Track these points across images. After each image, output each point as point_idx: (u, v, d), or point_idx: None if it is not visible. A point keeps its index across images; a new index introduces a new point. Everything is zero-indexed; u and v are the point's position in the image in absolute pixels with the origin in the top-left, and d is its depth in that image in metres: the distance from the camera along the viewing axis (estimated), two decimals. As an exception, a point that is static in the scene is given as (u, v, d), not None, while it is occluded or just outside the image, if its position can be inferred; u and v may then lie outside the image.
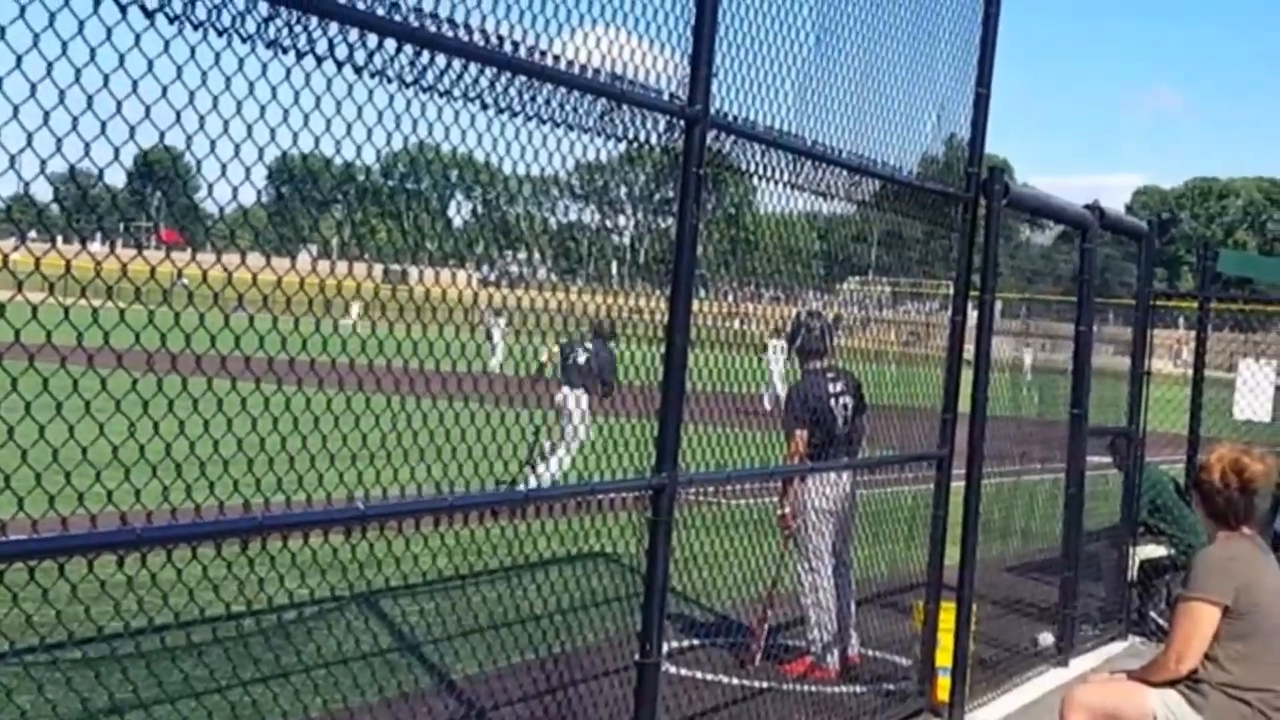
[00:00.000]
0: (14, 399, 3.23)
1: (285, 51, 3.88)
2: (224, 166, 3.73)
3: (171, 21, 3.56)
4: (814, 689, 8.05)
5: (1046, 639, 10.10)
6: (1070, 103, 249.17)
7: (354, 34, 4.08)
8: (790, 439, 8.27)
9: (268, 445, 4.08)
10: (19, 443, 3.29)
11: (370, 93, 4.19)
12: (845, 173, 7.04)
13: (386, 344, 4.65)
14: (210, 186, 3.82)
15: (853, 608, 8.55)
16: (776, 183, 6.43)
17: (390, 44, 4.22)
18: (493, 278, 5.99)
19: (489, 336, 5.42)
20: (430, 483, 4.96)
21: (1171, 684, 5.54)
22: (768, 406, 22.99)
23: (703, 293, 6.58)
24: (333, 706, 5.90)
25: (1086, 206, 10.12)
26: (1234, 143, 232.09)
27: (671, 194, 5.61)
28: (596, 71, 5.05)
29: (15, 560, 3.30)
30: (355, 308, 4.70)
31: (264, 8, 3.78)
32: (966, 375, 8.31)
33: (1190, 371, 12.48)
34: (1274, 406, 12.81)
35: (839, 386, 8.63)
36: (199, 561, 3.93)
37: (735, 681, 7.69)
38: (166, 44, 3.54)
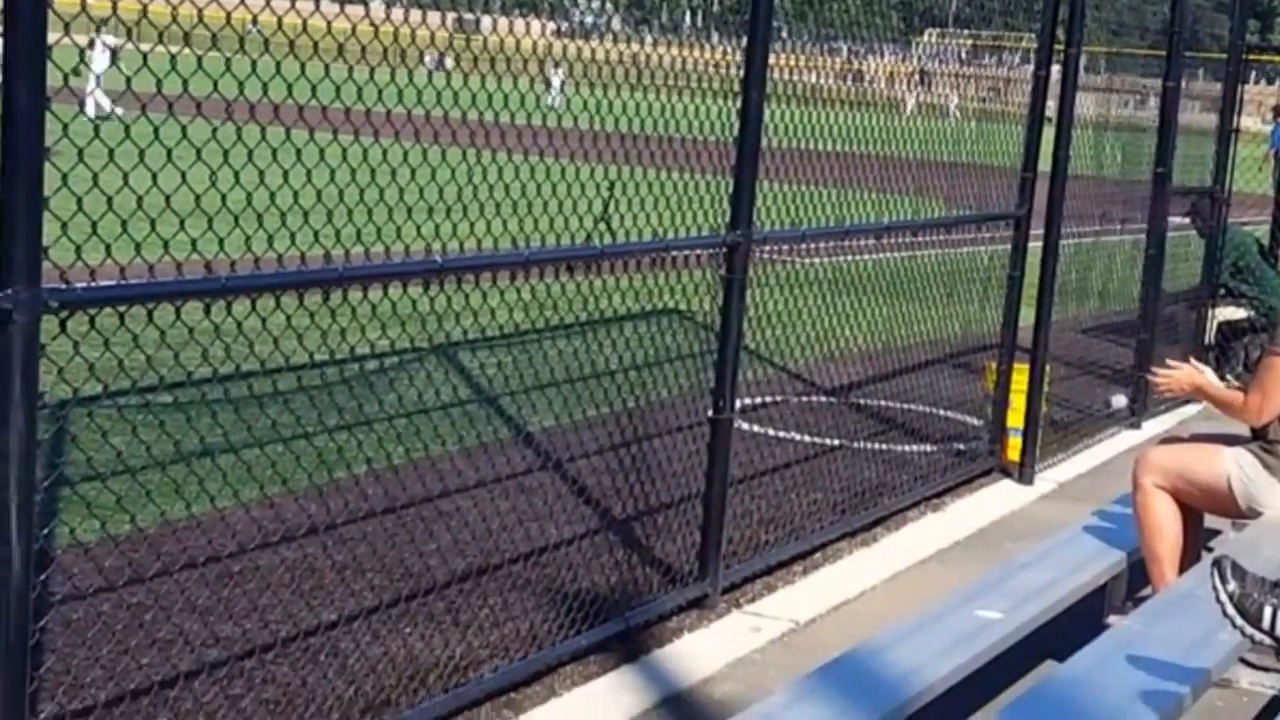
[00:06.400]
0: (97, 146, 3.26)
1: None
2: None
3: None
4: (885, 447, 8.15)
5: (1120, 401, 10.11)
6: None
7: None
8: None
9: (346, 197, 4.10)
10: (103, 189, 3.33)
11: None
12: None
13: (461, 95, 4.62)
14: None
15: None
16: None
17: None
18: (565, 29, 5.89)
19: (548, 86, 5.35)
20: (506, 237, 4.99)
21: (1247, 445, 5.55)
22: (91, 112, 22.06)
23: (779, 46, 6.44)
24: (414, 455, 6.06)
25: (1178, -46, 9.75)
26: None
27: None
28: None
29: (105, 305, 3.37)
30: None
31: None
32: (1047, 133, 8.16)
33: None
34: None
35: None
36: (282, 311, 4.00)
37: (806, 438, 7.80)
38: None
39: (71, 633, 4.60)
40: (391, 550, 5.56)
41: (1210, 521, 5.93)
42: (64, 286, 3.18)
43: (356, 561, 5.48)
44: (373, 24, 4.15)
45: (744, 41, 5.59)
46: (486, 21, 5.31)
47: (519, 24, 4.85)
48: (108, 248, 3.37)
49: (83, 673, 4.29)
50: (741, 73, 5.60)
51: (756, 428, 7.71)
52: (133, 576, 4.59)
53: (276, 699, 4.40)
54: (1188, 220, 11.32)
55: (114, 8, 3.32)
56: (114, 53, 21.37)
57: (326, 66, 3.95)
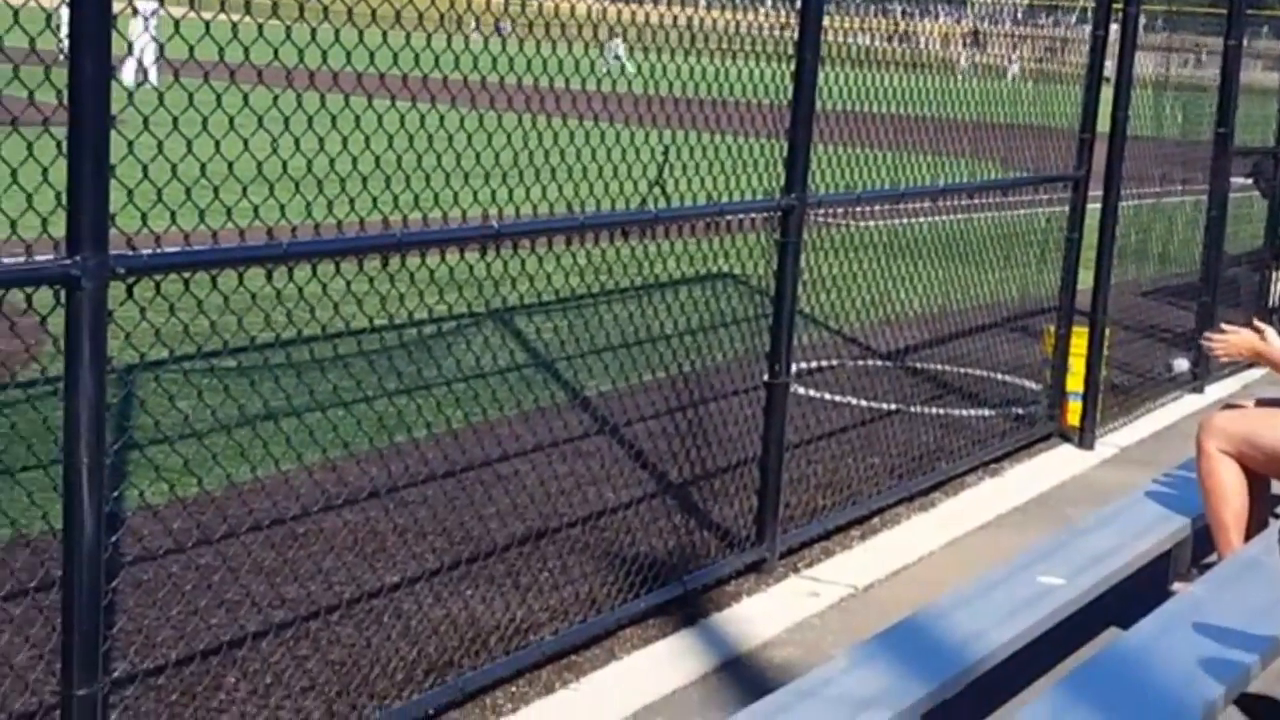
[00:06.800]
0: (161, 114, 3.30)
1: None
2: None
3: None
4: (942, 412, 8.13)
5: (1181, 365, 10.01)
6: None
7: None
8: None
9: (404, 163, 4.13)
10: (168, 157, 3.36)
11: None
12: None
13: (517, 61, 4.63)
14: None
15: None
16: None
17: None
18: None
19: (602, 50, 5.36)
20: (562, 202, 5.00)
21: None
22: (129, 80, 22.18)
23: (832, 7, 6.41)
24: (473, 419, 6.11)
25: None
26: None
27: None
28: None
29: (170, 271, 3.41)
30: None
31: None
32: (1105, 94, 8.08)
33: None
34: None
35: None
36: (342, 276, 4.04)
37: (863, 403, 7.79)
38: None
39: (142, 593, 4.68)
40: (451, 513, 5.61)
41: (1277, 487, 5.88)
42: (130, 253, 3.21)
43: (418, 524, 5.54)
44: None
45: (798, 3, 5.57)
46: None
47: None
48: (172, 214, 3.41)
49: (154, 632, 4.37)
50: (795, 35, 5.58)
51: (812, 392, 7.71)
52: (201, 538, 4.66)
53: (342, 660, 4.46)
54: (1250, 181, 11.18)
55: (176, -24, 3.35)
56: (146, 20, 21.60)
57: (384, 33, 3.98)
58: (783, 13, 5.95)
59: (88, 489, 3.14)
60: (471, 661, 4.53)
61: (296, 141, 3.72)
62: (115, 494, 3.64)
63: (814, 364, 7.80)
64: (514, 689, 4.55)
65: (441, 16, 4.27)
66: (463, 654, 4.57)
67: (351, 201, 3.97)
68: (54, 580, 3.39)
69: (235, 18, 3.51)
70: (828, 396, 7.76)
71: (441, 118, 4.27)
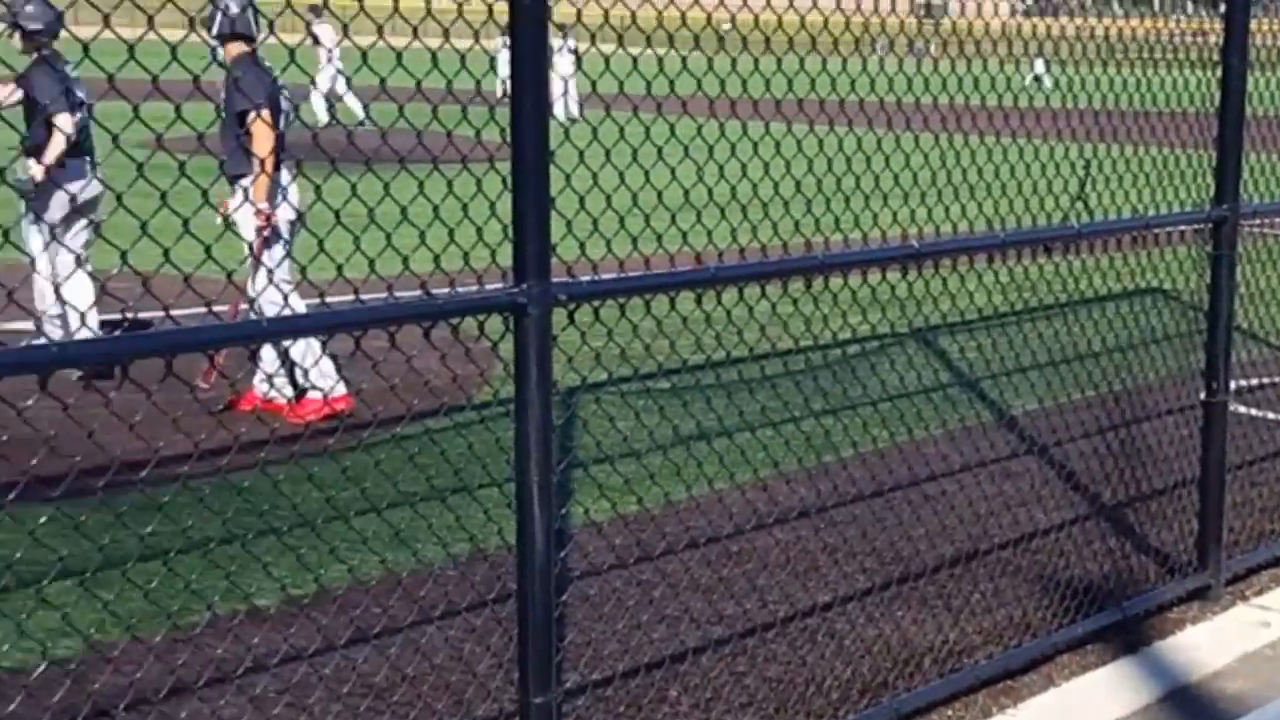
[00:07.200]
0: (595, 147, 3.48)
1: None
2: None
3: None
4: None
5: None
6: None
7: None
8: (260, 124, 7.34)
9: (823, 186, 4.20)
10: (602, 188, 3.54)
11: None
12: None
13: (931, 80, 4.63)
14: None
15: None
16: None
17: None
18: (1033, 5, 5.81)
19: (1017, 66, 5.29)
20: (981, 220, 4.97)
21: None
22: (560, 113, 21.34)
23: (1259, 10, 6.12)
24: (898, 439, 6.11)
25: None
26: None
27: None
28: None
29: (607, 297, 3.57)
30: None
31: None
32: None
33: None
34: None
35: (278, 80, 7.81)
36: (767, 299, 4.13)
37: (1311, 423, 7.31)
38: None
39: (589, 607, 4.90)
40: (881, 533, 5.62)
41: None
42: (570, 280, 3.37)
43: (847, 544, 5.57)
44: (844, 14, 4.23)
45: (1222, 8, 5.36)
46: (954, 6, 5.31)
47: (986, 5, 4.83)
48: (607, 243, 3.58)
49: (600, 645, 4.57)
50: (1221, 40, 5.37)
51: (1254, 411, 7.31)
52: (641, 555, 4.84)
53: (778, 677, 4.53)
54: None
55: (578, 16, 3.54)
56: (578, 56, 22.84)
57: (801, 59, 4.06)
58: (1204, 18, 5.73)
59: (538, 506, 3.29)
60: (905, 683, 4.51)
61: (720, 168, 3.84)
62: (563, 511, 3.82)
63: (1254, 381, 7.39)
64: (949, 712, 4.49)
65: (855, 41, 4.33)
66: (896, 675, 4.56)
67: (774, 225, 4.06)
68: (509, 593, 3.58)
69: (660, 51, 3.66)
70: (1271, 416, 7.33)
71: (859, 140, 4.32)
